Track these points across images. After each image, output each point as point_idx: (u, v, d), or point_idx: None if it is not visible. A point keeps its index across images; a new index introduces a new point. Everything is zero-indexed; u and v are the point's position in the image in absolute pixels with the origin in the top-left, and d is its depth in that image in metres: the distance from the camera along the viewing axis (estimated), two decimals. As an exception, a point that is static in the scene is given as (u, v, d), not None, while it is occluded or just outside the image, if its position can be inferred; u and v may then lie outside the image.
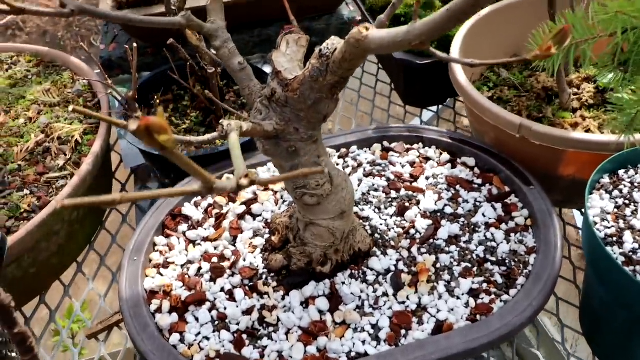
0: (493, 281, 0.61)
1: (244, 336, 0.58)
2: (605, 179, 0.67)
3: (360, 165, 0.78)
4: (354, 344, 0.56)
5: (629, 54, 0.53)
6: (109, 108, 0.87)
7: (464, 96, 0.81)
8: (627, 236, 0.60)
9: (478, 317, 0.58)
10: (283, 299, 0.61)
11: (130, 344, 0.59)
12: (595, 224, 0.62)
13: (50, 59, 1.01)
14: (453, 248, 0.65)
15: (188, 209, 0.72)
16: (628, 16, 0.50)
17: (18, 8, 0.49)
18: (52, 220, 0.69)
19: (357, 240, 0.63)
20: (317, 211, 0.60)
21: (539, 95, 0.87)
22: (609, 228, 0.61)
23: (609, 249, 0.58)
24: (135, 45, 0.81)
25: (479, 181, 0.74)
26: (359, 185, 0.74)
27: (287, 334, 0.58)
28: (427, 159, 0.79)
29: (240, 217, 0.70)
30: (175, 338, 0.57)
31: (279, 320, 0.59)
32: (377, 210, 0.70)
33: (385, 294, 0.61)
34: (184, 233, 0.69)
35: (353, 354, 0.56)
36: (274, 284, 0.62)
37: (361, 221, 0.68)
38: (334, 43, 0.52)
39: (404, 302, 0.60)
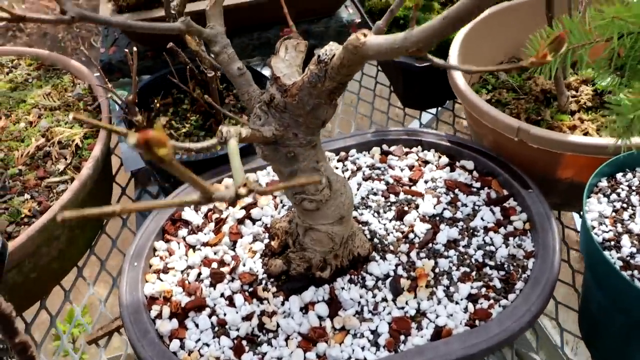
0: (492, 286, 0.62)
1: (244, 342, 0.58)
2: (603, 183, 0.68)
3: (359, 169, 0.78)
4: (353, 350, 0.57)
5: (626, 59, 0.53)
6: (109, 112, 0.87)
7: (462, 99, 0.81)
8: (625, 240, 0.60)
9: (477, 322, 0.58)
10: (282, 304, 0.61)
11: (131, 349, 0.59)
12: (593, 228, 0.62)
13: (50, 62, 1.02)
14: (452, 252, 0.65)
15: (188, 213, 0.72)
16: (624, 21, 0.50)
17: (18, 15, 0.49)
18: (52, 225, 0.69)
19: (356, 245, 0.64)
20: (316, 216, 0.60)
21: (537, 98, 0.87)
22: (606, 232, 0.61)
23: (606, 253, 0.59)
24: (135, 49, 0.82)
25: (478, 185, 0.74)
26: (358, 189, 0.74)
27: (286, 340, 0.58)
28: (426, 162, 0.79)
29: (240, 221, 0.71)
30: (175, 344, 0.58)
31: (278, 326, 0.59)
32: (376, 215, 0.71)
33: (384, 299, 0.61)
34: (184, 238, 0.70)
35: (352, 360, 0.56)
36: (274, 289, 0.62)
37: (360, 225, 0.69)
38: (332, 49, 0.53)
39: (403, 308, 0.60)
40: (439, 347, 0.55)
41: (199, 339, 0.59)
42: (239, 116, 0.91)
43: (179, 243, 0.69)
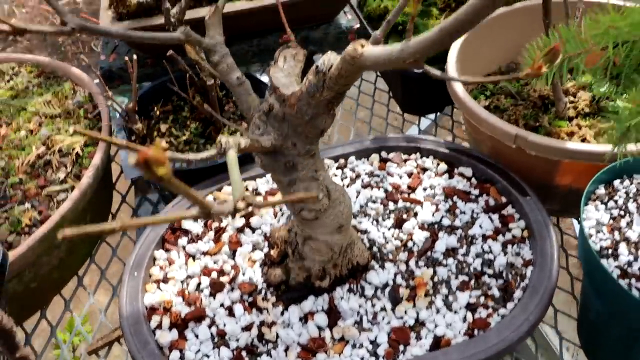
0: (490, 295, 0.62)
1: (243, 353, 0.58)
2: (601, 190, 0.68)
3: (358, 176, 0.78)
4: (352, 360, 0.57)
5: (621, 68, 0.54)
6: (109, 119, 0.88)
7: (460, 106, 0.81)
8: (623, 248, 0.60)
9: (475, 332, 0.58)
10: (282, 314, 0.61)
11: None
12: (591, 236, 0.62)
13: (51, 70, 1.02)
14: (450, 261, 0.66)
15: (188, 222, 0.73)
16: (619, 31, 0.50)
17: (19, 28, 0.50)
18: (53, 235, 0.70)
19: (355, 254, 0.64)
20: (315, 226, 0.60)
21: (535, 104, 0.88)
22: (604, 240, 0.62)
23: (604, 261, 0.59)
24: (135, 56, 0.82)
25: (476, 192, 0.75)
26: (357, 197, 0.75)
27: (286, 350, 0.58)
28: (425, 169, 0.79)
29: (240, 230, 0.71)
30: (175, 355, 0.58)
31: (278, 336, 0.59)
32: (375, 223, 0.71)
33: (383, 309, 0.61)
34: (183, 247, 0.70)
35: (352, 370, 0.56)
36: (273, 299, 0.63)
37: (359, 234, 0.69)
38: (330, 59, 0.53)
39: (401, 317, 0.60)
40: (438, 357, 0.55)
41: (199, 350, 0.59)
42: (238, 123, 0.91)
43: (178, 252, 0.69)
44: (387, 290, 0.63)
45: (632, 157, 0.58)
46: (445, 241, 0.68)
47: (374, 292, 0.63)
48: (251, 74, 0.96)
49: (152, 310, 0.62)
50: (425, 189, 0.76)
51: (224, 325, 0.60)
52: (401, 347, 0.58)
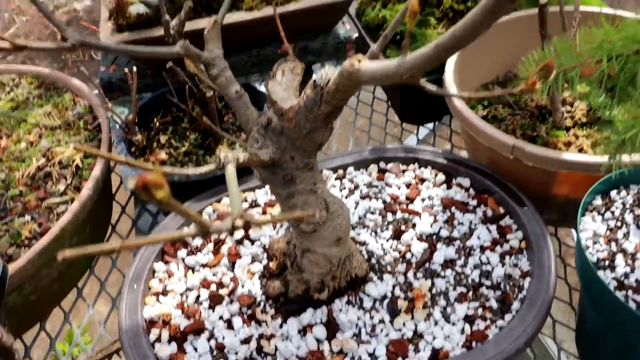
0: (488, 306, 0.62)
1: (242, 365, 0.58)
2: (598, 201, 0.68)
3: (357, 187, 0.79)
4: (351, 373, 0.57)
5: (616, 81, 0.54)
6: (109, 131, 0.88)
7: (458, 117, 0.82)
8: (619, 260, 0.60)
9: (473, 343, 0.58)
10: (281, 327, 0.61)
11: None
12: (587, 247, 0.63)
13: (51, 81, 1.03)
14: (448, 272, 0.66)
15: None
16: (613, 45, 0.51)
17: (20, 45, 0.50)
18: (53, 247, 0.70)
19: (353, 265, 0.64)
20: (314, 238, 0.60)
21: (532, 114, 0.88)
22: (601, 251, 0.62)
23: (600, 273, 0.59)
24: (135, 68, 0.83)
25: (474, 202, 0.75)
26: (355, 208, 0.75)
27: (284, 363, 0.58)
28: (423, 180, 0.79)
29: (239, 242, 0.71)
30: (174, 368, 0.58)
31: (276, 349, 0.59)
32: (373, 234, 0.71)
33: (381, 321, 0.61)
34: (183, 259, 0.70)
35: (350, 383, 0.57)
36: (272, 311, 0.63)
37: (358, 246, 0.69)
38: (327, 74, 0.53)
39: (400, 329, 0.60)
40: (436, 369, 0.55)
41: (198, 363, 0.59)
42: (237, 135, 0.92)
43: (178, 264, 0.69)
44: (386, 302, 0.63)
45: (628, 169, 0.58)
46: (443, 252, 0.68)
47: (373, 304, 0.63)
48: (250, 84, 0.96)
49: (151, 323, 0.62)
50: (423, 200, 0.76)
51: (223, 338, 0.61)
52: (399, 360, 0.58)
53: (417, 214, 0.74)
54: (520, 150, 0.72)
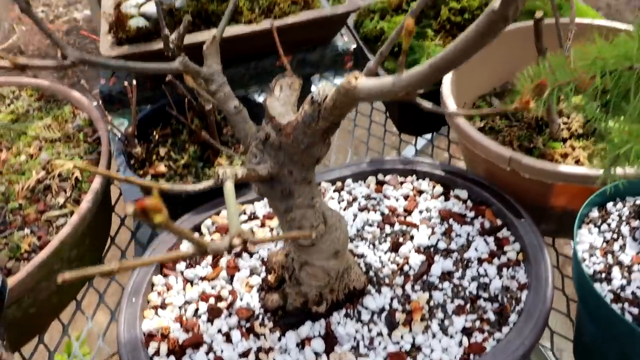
0: (486, 319, 0.62)
1: (241, 379, 0.59)
2: (594, 213, 0.69)
3: (355, 199, 0.79)
4: (349, 385, 0.57)
5: (610, 96, 0.55)
6: (108, 143, 0.89)
7: (455, 128, 0.82)
8: (616, 272, 0.61)
9: (471, 356, 0.59)
10: (279, 340, 0.62)
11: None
12: (584, 259, 0.63)
13: (51, 93, 1.03)
14: (446, 284, 0.66)
15: (186, 246, 0.73)
16: (606, 62, 0.52)
17: (20, 65, 0.51)
18: (52, 260, 0.70)
19: (352, 278, 0.64)
20: (312, 251, 0.61)
21: (529, 125, 0.89)
22: (597, 264, 0.62)
23: (597, 285, 0.59)
24: (134, 82, 0.84)
25: (472, 214, 0.75)
26: (354, 221, 0.75)
27: (283, 376, 0.59)
28: (421, 192, 0.80)
29: (237, 255, 0.72)
30: (173, 382, 0.58)
31: (275, 362, 0.60)
32: (371, 247, 0.72)
33: (379, 334, 0.62)
34: (181, 272, 0.70)
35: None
36: (271, 324, 0.63)
37: (356, 258, 0.70)
38: (325, 90, 0.54)
39: (398, 342, 0.61)
40: (434, 382, 0.55)
41: (197, 377, 0.59)
42: (235, 147, 0.92)
43: (176, 277, 0.70)
44: (384, 315, 0.63)
45: (621, 182, 0.59)
46: (441, 265, 0.68)
47: (371, 317, 0.63)
48: (248, 97, 0.97)
49: (150, 336, 0.63)
50: (421, 212, 0.77)
51: (222, 351, 0.61)
52: (397, 373, 0.58)
53: (415, 226, 0.74)
54: (517, 162, 0.73)
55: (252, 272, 0.70)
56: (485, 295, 0.65)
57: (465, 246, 0.71)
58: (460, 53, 0.40)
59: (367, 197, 0.79)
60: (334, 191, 0.81)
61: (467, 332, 0.61)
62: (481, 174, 0.83)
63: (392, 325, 0.62)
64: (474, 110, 0.46)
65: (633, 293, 0.59)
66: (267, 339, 0.61)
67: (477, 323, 0.62)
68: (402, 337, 0.61)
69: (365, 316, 0.63)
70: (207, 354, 0.61)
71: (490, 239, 0.72)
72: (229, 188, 0.48)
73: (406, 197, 0.79)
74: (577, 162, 0.80)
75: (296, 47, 1.05)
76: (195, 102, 0.89)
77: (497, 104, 0.98)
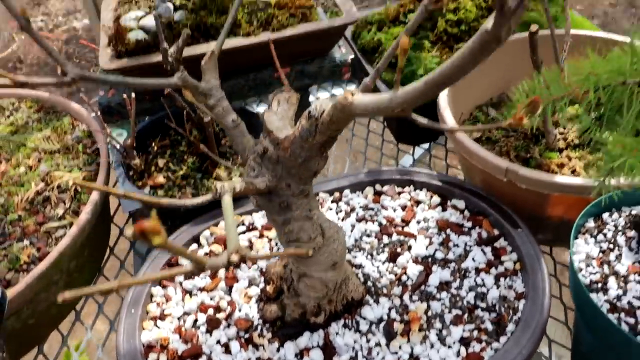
0: (483, 328, 0.63)
1: (240, 390, 0.59)
2: (590, 223, 0.69)
3: (353, 209, 0.80)
4: (347, 396, 0.57)
5: (604, 111, 0.56)
6: (107, 154, 0.89)
7: (452, 140, 0.83)
8: (612, 282, 0.61)
9: (469, 367, 0.59)
10: (278, 350, 0.62)
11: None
12: (581, 269, 0.63)
13: (50, 105, 1.04)
14: (444, 294, 0.67)
15: (185, 260, 0.74)
16: (599, 77, 0.53)
17: (20, 82, 0.52)
18: (51, 271, 0.71)
19: (350, 289, 0.65)
20: (310, 263, 0.61)
21: (526, 135, 0.90)
22: (593, 274, 0.63)
23: (593, 295, 0.60)
24: (133, 94, 0.84)
25: (469, 224, 0.76)
26: (351, 231, 0.76)
27: (281, 388, 0.59)
28: (418, 202, 0.80)
29: (236, 265, 0.72)
30: (172, 394, 0.59)
31: (273, 374, 0.60)
32: (369, 257, 0.72)
33: (378, 344, 0.62)
34: (180, 283, 0.71)
35: (347, 406, 0.57)
36: (269, 335, 0.63)
37: (354, 269, 0.70)
38: (322, 105, 0.55)
39: (396, 353, 0.61)
40: (432, 393, 0.56)
41: (196, 388, 0.59)
42: (234, 158, 0.93)
43: (175, 288, 0.70)
44: (382, 325, 0.64)
45: (616, 193, 0.59)
46: (438, 275, 0.69)
47: (369, 327, 0.64)
48: (246, 109, 0.98)
49: (149, 347, 0.63)
50: (419, 222, 0.77)
51: (221, 363, 0.61)
52: (396, 384, 0.58)
53: (413, 236, 0.74)
54: (513, 173, 0.73)
55: (251, 282, 0.70)
56: (483, 305, 0.66)
57: (463, 256, 0.72)
58: (456, 70, 0.41)
59: (365, 208, 0.80)
60: (332, 202, 0.82)
61: (464, 342, 0.62)
62: (478, 184, 0.83)
63: (390, 335, 0.63)
64: (469, 127, 0.47)
65: (629, 303, 0.59)
66: (266, 350, 0.62)
67: (475, 333, 0.62)
68: (400, 347, 0.61)
69: (364, 326, 0.64)
70: (206, 365, 0.61)
71: (488, 249, 0.72)
72: (227, 202, 0.49)
73: (404, 208, 0.80)
74: (574, 172, 0.81)
75: (294, 59, 1.06)
76: (194, 113, 0.90)
77: (493, 114, 0.98)
